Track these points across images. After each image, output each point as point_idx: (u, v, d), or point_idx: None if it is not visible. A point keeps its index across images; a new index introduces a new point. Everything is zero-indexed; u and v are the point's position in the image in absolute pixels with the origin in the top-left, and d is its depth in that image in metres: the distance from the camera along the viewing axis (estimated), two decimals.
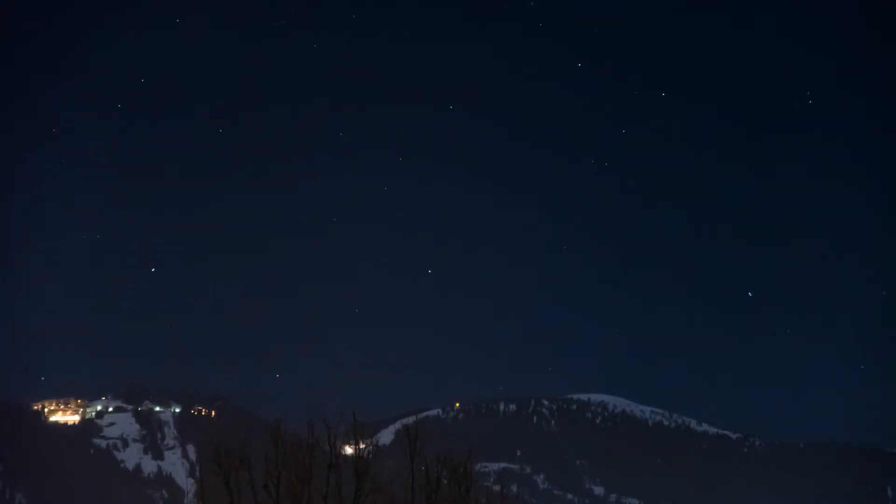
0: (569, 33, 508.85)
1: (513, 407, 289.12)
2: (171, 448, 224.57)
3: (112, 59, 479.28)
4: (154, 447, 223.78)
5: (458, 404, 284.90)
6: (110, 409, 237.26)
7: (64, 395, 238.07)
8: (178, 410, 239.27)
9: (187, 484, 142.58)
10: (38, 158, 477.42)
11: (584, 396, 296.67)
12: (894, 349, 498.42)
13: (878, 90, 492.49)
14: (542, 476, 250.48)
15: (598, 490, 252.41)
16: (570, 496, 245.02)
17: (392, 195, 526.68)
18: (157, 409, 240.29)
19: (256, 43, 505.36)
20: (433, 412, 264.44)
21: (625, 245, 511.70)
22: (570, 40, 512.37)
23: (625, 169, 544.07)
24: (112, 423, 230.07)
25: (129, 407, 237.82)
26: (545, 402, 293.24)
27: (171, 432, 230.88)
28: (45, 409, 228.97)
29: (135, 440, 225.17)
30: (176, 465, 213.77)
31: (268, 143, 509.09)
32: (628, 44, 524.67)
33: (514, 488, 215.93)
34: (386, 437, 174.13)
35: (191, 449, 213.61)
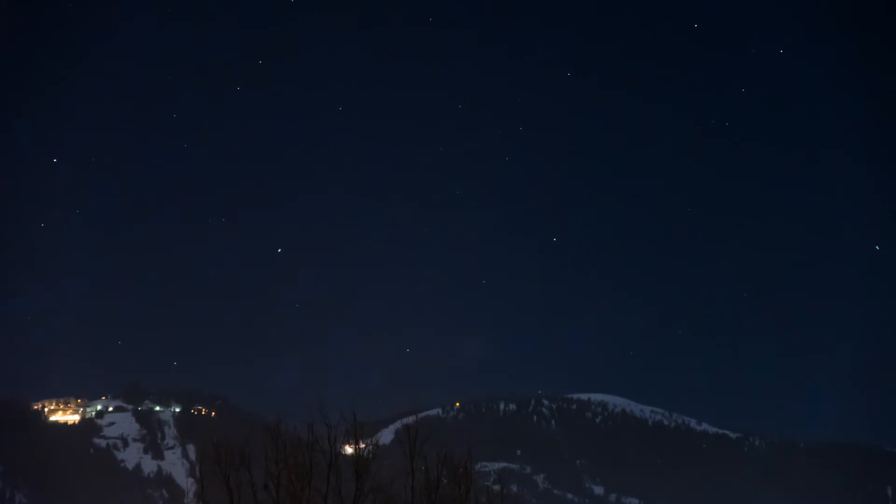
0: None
1: (513, 407, 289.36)
2: (171, 448, 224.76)
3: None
4: (154, 447, 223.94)
5: (458, 404, 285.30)
6: (110, 409, 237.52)
7: (64, 394, 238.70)
8: (178, 410, 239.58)
9: (187, 484, 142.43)
10: (40, 158, 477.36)
11: (584, 396, 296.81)
12: (894, 348, 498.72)
13: None
14: (542, 476, 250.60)
15: (598, 490, 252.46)
16: (570, 496, 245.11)
17: (392, 198, 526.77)
18: (157, 408, 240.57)
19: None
20: (433, 412, 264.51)
21: (625, 245, 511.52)
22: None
23: (627, 170, 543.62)
24: (112, 423, 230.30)
25: (129, 407, 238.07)
26: (545, 402, 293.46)
27: (171, 432, 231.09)
28: (45, 409, 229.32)
29: (135, 440, 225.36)
30: (176, 464, 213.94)
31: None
32: (624, 55, 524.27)
33: (514, 488, 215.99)
34: (386, 437, 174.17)
35: (191, 449, 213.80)
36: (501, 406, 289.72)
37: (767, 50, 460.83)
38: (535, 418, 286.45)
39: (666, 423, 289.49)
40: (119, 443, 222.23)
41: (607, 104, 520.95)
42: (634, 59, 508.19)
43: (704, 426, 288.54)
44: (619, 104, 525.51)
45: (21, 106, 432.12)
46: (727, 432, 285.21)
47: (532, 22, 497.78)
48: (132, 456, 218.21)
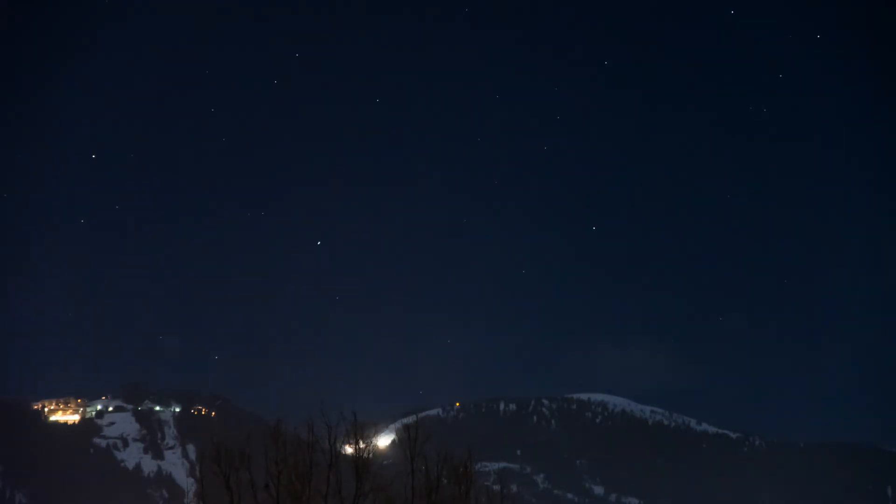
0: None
1: (513, 407, 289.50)
2: (171, 448, 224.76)
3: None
4: (154, 447, 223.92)
5: (458, 404, 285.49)
6: (110, 409, 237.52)
7: (64, 394, 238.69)
8: (178, 410, 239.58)
9: (187, 484, 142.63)
10: (39, 157, 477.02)
11: (584, 396, 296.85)
12: (894, 348, 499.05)
13: None
14: (542, 476, 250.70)
15: (598, 490, 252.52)
16: (570, 496, 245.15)
17: (388, 195, 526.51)
18: (157, 408, 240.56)
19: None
20: (433, 412, 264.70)
21: (625, 245, 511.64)
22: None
23: (632, 171, 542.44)
24: (112, 423, 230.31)
25: (129, 406, 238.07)
26: (545, 402, 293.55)
27: (171, 432, 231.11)
28: (45, 409, 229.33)
29: (135, 440, 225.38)
30: (176, 464, 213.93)
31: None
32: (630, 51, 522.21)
33: (514, 488, 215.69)
34: (386, 437, 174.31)
35: (191, 449, 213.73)
36: (501, 406, 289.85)
37: (804, 36, 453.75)
38: (535, 418, 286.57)
39: (666, 423, 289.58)
40: (119, 443, 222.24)
41: (643, 93, 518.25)
42: (670, 47, 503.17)
43: (704, 426, 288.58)
44: (656, 93, 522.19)
45: (59, 102, 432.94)
46: (727, 432, 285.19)
47: (569, 12, 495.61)
48: (132, 456, 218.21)
